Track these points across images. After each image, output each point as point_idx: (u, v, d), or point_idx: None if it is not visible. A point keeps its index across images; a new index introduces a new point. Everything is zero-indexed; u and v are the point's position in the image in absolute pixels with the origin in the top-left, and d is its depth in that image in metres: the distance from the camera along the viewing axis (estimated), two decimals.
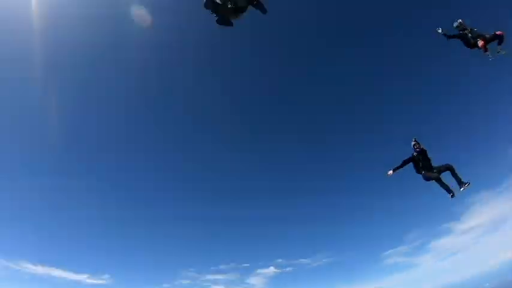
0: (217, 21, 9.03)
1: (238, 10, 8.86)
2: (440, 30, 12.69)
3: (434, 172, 11.16)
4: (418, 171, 11.52)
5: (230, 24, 9.14)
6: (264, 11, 9.19)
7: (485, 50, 11.99)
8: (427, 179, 11.31)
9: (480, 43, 11.88)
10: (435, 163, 11.41)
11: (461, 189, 11.00)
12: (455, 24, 12.59)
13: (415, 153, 11.41)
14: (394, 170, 11.48)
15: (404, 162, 11.44)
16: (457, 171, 11.19)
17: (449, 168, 11.21)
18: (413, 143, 11.50)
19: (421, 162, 11.32)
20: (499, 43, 11.84)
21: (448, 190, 11.13)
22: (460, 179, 11.06)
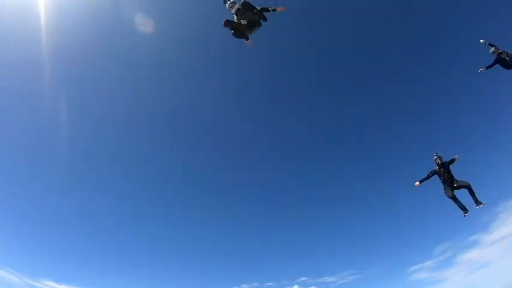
0: (234, 35, 10.15)
1: (252, 25, 10.07)
2: (481, 69, 13.76)
3: (450, 190, 11.69)
4: (443, 184, 11.90)
5: (246, 37, 10.26)
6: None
7: None
8: (447, 196, 11.84)
9: None
10: (460, 176, 11.81)
11: (476, 207, 11.47)
12: (490, 51, 13.37)
13: (437, 168, 11.81)
14: (420, 182, 11.90)
15: (429, 175, 11.87)
16: (474, 189, 11.55)
17: (466, 187, 11.64)
18: (435, 157, 11.92)
19: (443, 175, 11.75)
20: None
21: (463, 208, 11.66)
22: (476, 198, 11.46)
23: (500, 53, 13.26)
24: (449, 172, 11.82)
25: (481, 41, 13.58)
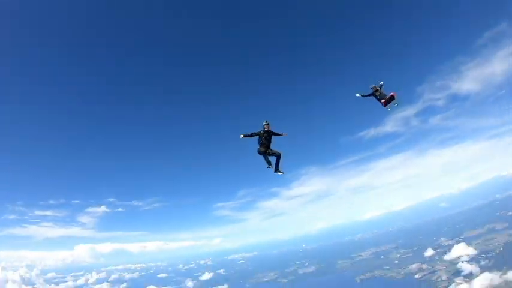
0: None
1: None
2: (358, 95, 19.67)
3: (263, 149, 14.56)
4: (259, 144, 14.74)
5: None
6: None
7: (385, 105, 19.04)
8: (258, 152, 14.77)
9: (382, 102, 18.91)
10: (275, 147, 14.97)
11: (275, 172, 14.97)
12: (371, 86, 19.48)
13: (262, 131, 14.49)
14: (245, 136, 14.42)
15: (253, 134, 14.48)
16: (281, 160, 14.96)
17: (277, 155, 14.79)
18: (264, 123, 14.61)
19: (263, 139, 14.47)
20: (392, 99, 18.81)
21: (268, 162, 14.99)
22: (278, 167, 14.98)
23: (377, 90, 19.28)
24: (269, 138, 14.60)
25: (381, 83, 19.35)
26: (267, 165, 14.85)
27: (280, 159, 14.76)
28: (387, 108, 19.18)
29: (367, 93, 19.29)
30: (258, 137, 14.53)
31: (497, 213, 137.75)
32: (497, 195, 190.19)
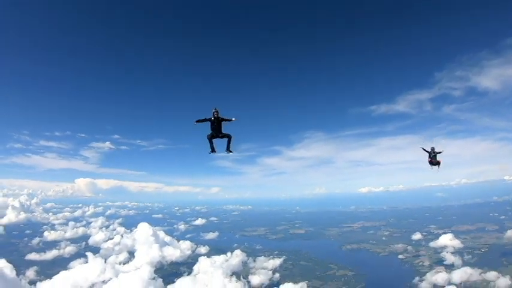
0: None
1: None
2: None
3: (212, 135, 15.72)
4: (211, 129, 15.68)
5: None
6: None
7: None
8: (207, 137, 15.81)
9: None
10: (225, 131, 15.89)
11: (226, 152, 16.12)
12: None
13: (212, 117, 15.42)
14: (197, 121, 15.38)
15: (204, 120, 15.47)
16: (232, 142, 16.04)
17: (228, 137, 15.97)
18: (213, 110, 15.47)
19: (214, 124, 15.50)
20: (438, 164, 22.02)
21: (212, 148, 15.96)
22: (229, 147, 16.04)
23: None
24: (219, 124, 15.58)
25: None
26: (209, 150, 16.23)
27: (231, 141, 16.20)
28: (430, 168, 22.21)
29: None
30: (209, 122, 15.76)
31: (491, 214, 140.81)
32: (495, 197, 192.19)
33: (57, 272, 70.94)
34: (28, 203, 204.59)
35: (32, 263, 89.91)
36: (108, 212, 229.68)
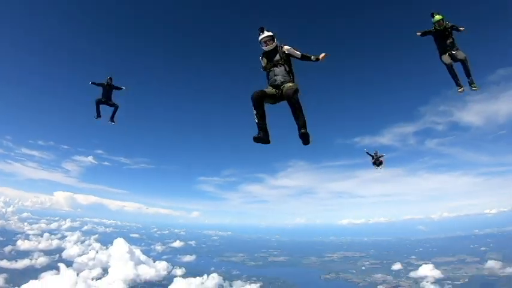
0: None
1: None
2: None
3: (103, 99, 16.55)
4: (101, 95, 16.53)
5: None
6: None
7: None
8: (95, 102, 16.66)
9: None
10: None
11: (110, 121, 17.03)
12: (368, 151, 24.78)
13: (105, 83, 16.47)
14: (92, 83, 16.29)
15: (98, 84, 16.42)
16: (117, 112, 16.87)
17: (115, 106, 16.80)
18: (108, 77, 16.59)
19: (105, 91, 16.50)
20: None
21: (98, 113, 16.81)
22: (113, 117, 16.94)
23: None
24: (110, 91, 16.53)
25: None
26: (95, 115, 16.67)
27: (117, 111, 16.87)
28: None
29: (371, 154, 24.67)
30: (101, 87, 16.43)
31: (471, 246, 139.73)
32: (476, 230, 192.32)
33: (27, 281, 69.01)
34: (4, 210, 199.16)
35: (1, 270, 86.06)
36: (85, 227, 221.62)
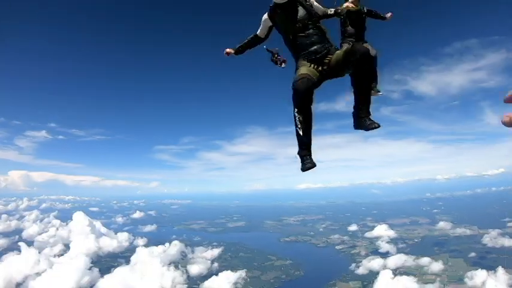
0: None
1: None
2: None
3: None
4: None
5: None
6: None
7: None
8: None
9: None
10: None
11: None
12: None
13: None
14: None
15: None
16: None
17: None
18: None
19: None
20: None
21: None
22: None
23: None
24: None
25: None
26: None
27: None
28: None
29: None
30: None
31: (423, 209, 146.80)
32: (428, 194, 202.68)
33: None
34: None
35: None
36: (43, 205, 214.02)
